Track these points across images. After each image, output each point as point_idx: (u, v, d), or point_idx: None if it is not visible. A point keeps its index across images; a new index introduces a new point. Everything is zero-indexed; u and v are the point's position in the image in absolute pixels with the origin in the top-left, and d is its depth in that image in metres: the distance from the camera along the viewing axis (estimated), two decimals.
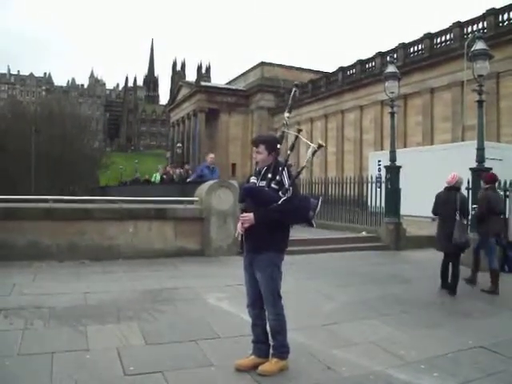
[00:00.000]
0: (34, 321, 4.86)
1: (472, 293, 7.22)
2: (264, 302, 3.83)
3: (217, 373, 3.79)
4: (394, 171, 12.08)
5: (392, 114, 12.55)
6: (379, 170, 17.13)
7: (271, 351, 3.86)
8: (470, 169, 9.73)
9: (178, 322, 5.08)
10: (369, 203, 13.31)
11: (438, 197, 7.60)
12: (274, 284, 3.81)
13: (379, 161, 18.57)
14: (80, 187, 45.06)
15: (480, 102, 9.74)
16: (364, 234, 12.55)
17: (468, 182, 9.83)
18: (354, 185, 13.73)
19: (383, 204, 12.23)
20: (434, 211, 7.71)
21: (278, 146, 3.91)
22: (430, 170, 16.92)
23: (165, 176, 19.09)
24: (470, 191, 9.70)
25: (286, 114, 4.13)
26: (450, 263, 7.26)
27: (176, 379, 3.62)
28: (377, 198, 12.46)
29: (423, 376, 3.82)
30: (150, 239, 9.15)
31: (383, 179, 12.64)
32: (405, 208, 12.53)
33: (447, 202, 7.29)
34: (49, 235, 8.38)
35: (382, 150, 27.11)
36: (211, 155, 13.17)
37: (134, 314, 5.25)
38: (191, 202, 9.89)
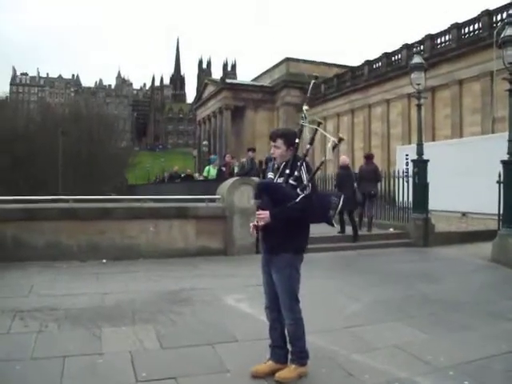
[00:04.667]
0: (48, 323, 4.79)
1: (507, 292, 6.88)
2: (281, 305, 3.63)
3: (232, 380, 3.62)
4: (421, 165, 11.69)
5: (419, 106, 12.17)
6: (407, 164, 16.72)
7: (289, 357, 3.67)
8: (501, 161, 9.30)
9: (195, 325, 4.92)
10: (396, 198, 12.96)
11: (339, 175, 11.59)
12: (291, 287, 3.61)
13: (407, 155, 18.12)
14: (108, 187, 45.56)
15: (511, 91, 9.26)
16: (391, 230, 12.19)
17: (499, 176, 9.43)
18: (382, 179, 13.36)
19: (411, 199, 11.88)
20: (338, 185, 11.35)
21: (297, 140, 3.69)
22: (459, 164, 16.50)
23: (224, 168, 15.88)
24: (502, 185, 9.31)
25: (305, 107, 3.91)
26: (347, 217, 11.07)
27: None
28: (404, 193, 12.10)
29: None
30: (171, 238, 9.05)
31: (411, 173, 12.29)
32: (433, 203, 12.17)
33: (346, 177, 11.21)
34: (69, 235, 8.38)
35: (409, 143, 26.50)
36: None
37: (150, 316, 5.12)
38: (213, 200, 9.74)
